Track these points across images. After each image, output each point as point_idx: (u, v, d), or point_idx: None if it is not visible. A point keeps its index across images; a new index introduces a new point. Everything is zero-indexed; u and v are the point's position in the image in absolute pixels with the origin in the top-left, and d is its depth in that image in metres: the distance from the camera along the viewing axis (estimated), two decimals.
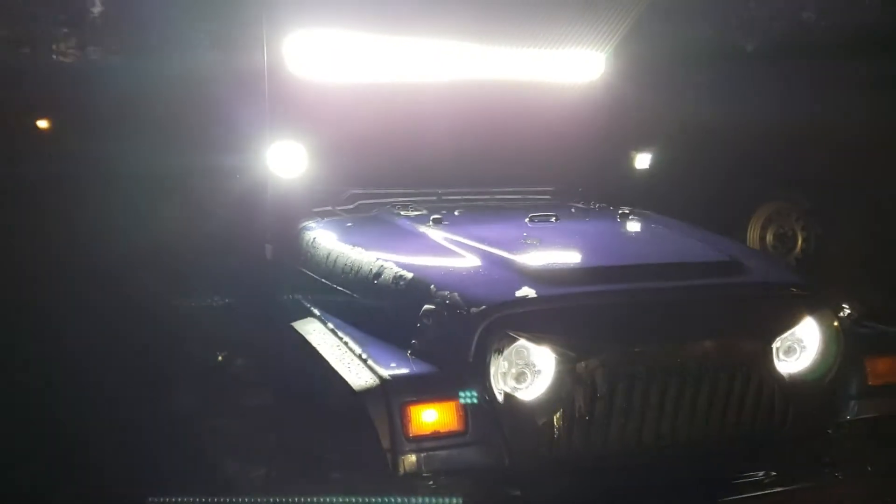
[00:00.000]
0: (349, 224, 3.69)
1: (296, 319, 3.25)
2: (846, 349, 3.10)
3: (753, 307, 3.03)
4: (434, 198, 4.05)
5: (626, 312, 2.84)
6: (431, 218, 3.55)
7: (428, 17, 4.08)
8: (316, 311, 3.25)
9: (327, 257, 3.41)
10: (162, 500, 2.84)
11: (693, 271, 3.10)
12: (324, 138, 3.85)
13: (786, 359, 3.07)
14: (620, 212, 3.90)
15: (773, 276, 3.24)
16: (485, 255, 3.10)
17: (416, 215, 3.68)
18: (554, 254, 3.22)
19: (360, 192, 4.00)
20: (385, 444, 2.52)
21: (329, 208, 3.90)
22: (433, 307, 2.79)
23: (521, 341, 2.70)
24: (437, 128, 4.05)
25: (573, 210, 4.04)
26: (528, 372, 2.74)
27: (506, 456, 2.66)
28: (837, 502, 2.95)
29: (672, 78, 5.88)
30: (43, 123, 11.24)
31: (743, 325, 2.97)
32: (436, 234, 3.38)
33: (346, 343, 2.89)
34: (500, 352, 2.69)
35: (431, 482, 2.53)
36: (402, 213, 3.75)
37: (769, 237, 6.27)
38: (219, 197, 4.26)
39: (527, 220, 3.62)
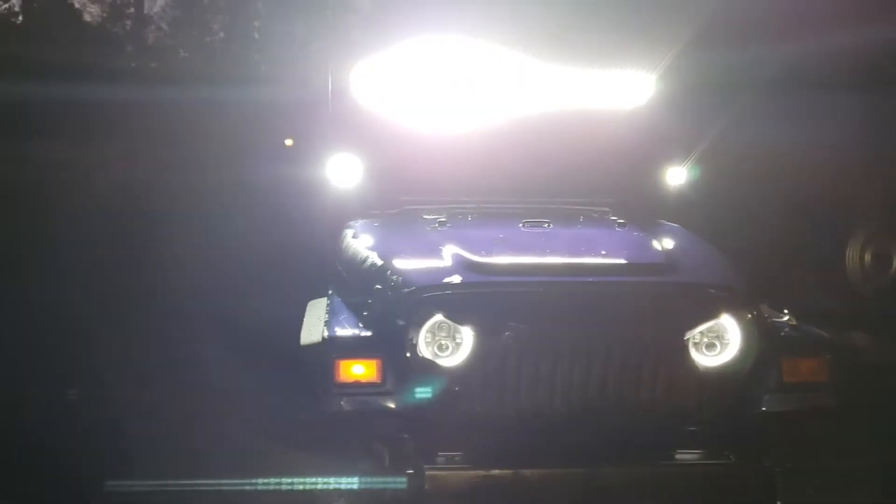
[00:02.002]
0: (376, 224, 4.44)
1: (314, 299, 4.08)
2: (763, 347, 3.43)
3: (665, 303, 3.44)
4: (473, 205, 4.69)
5: (538, 300, 3.40)
6: (438, 220, 4.22)
7: (480, 41, 4.77)
8: (329, 292, 4.05)
9: (346, 248, 4.21)
10: (121, 483, 3.23)
11: (616, 270, 3.58)
12: (381, 153, 4.67)
13: (707, 353, 3.46)
14: (619, 221, 4.33)
15: (695, 278, 3.60)
16: (451, 250, 3.74)
17: (431, 218, 4.35)
18: (510, 251, 3.77)
19: (409, 199, 4.72)
20: (318, 387, 3.29)
21: (377, 212, 4.67)
22: (381, 287, 3.51)
23: (441, 317, 3.35)
24: (483, 144, 4.72)
25: (581, 218, 4.51)
26: (450, 343, 3.37)
27: (424, 409, 3.32)
28: (722, 482, 3.31)
29: (770, 101, 6.10)
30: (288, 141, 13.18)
31: (652, 319, 3.40)
32: (430, 234, 4.05)
33: (326, 314, 3.68)
34: (423, 325, 3.35)
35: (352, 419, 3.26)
36: (424, 216, 4.44)
37: (867, 257, 6.26)
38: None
39: (520, 224, 4.19)
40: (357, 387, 3.29)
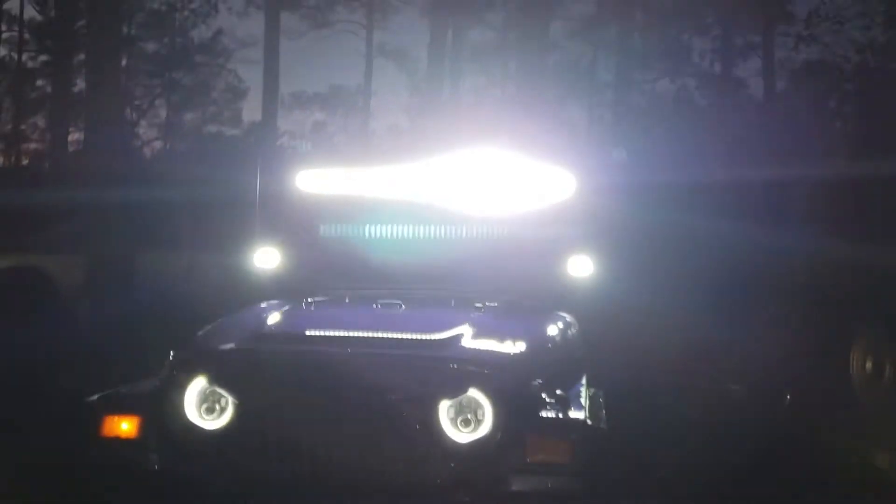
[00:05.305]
0: (274, 303, 4.71)
1: None
2: (509, 426, 3.34)
3: (418, 376, 3.45)
4: (382, 289, 4.84)
5: (291, 368, 3.55)
6: (311, 300, 4.49)
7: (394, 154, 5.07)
8: None
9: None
10: None
11: (388, 344, 3.66)
12: (299, 245, 5.06)
13: (462, 428, 3.41)
14: (484, 306, 4.33)
15: (452, 354, 3.57)
16: (273, 324, 3.99)
17: (315, 298, 4.60)
18: (321, 327, 3.95)
19: (322, 283, 4.98)
20: (88, 439, 3.61)
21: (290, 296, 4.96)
22: (178, 351, 3.81)
23: (204, 381, 3.58)
24: (406, 237, 4.99)
25: (453, 303, 4.52)
26: (217, 406, 3.58)
27: (183, 468, 3.53)
28: None
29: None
30: None
31: (401, 390, 3.42)
32: (292, 312, 4.31)
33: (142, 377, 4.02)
34: (184, 386, 3.58)
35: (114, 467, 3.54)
36: (309, 299, 4.67)
37: (868, 366, 5.64)
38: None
39: (376, 305, 4.35)
40: (118, 442, 3.57)
